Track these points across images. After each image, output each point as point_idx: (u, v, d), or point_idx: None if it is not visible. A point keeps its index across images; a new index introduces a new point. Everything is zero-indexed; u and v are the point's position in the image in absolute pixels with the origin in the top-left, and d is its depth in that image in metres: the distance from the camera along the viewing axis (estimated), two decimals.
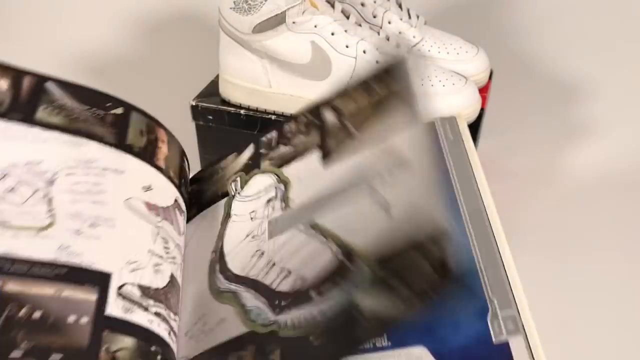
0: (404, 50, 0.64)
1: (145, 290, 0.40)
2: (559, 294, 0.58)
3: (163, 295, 0.41)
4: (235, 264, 0.46)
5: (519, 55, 0.98)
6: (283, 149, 0.50)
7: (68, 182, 0.42)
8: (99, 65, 0.96)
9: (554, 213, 0.68)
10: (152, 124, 0.49)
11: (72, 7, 1.08)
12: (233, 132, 0.68)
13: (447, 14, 1.04)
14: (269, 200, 0.48)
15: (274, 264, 0.44)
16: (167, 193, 0.47)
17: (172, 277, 0.43)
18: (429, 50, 0.69)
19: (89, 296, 0.38)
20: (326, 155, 0.48)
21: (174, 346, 0.41)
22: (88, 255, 0.39)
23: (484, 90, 0.70)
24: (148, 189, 0.46)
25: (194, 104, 0.68)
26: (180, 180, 0.50)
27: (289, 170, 0.49)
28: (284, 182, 0.48)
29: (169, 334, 0.40)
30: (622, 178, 0.73)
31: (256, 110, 0.67)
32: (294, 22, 0.61)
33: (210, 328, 0.43)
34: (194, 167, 0.73)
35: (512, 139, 0.80)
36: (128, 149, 0.46)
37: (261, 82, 0.65)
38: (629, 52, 0.98)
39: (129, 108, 0.49)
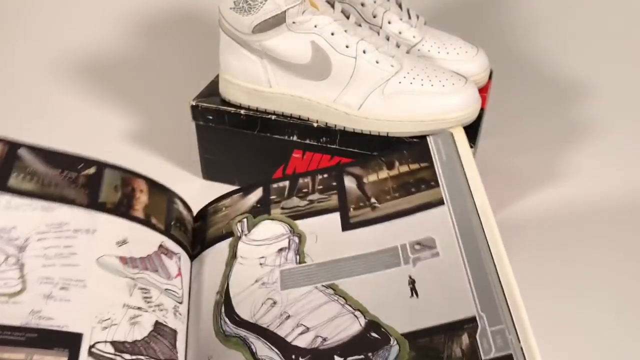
0: (403, 50, 0.64)
1: (120, 346, 0.41)
2: (559, 294, 0.58)
3: (143, 346, 0.42)
4: (242, 309, 0.45)
5: (519, 55, 0.98)
6: (297, 202, 0.51)
7: (39, 247, 0.44)
8: (99, 65, 0.96)
9: (553, 213, 0.68)
10: (128, 177, 0.51)
11: (72, 7, 1.08)
12: (233, 132, 0.68)
13: (447, 14, 1.04)
14: (280, 250, 0.48)
15: (288, 317, 0.44)
16: (147, 242, 0.48)
17: (158, 324, 0.44)
18: (429, 50, 0.69)
19: (60, 359, 0.39)
20: (345, 219, 0.48)
21: None
22: (59, 318, 0.41)
23: (484, 90, 0.70)
24: (123, 243, 0.47)
25: (194, 104, 0.68)
26: (168, 223, 0.51)
27: (303, 225, 0.49)
28: (297, 235, 0.49)
29: None
30: (622, 178, 0.73)
31: (256, 110, 0.67)
32: (294, 22, 0.61)
33: None
34: (194, 167, 0.73)
35: (512, 139, 0.80)
36: (101, 207, 0.48)
37: (261, 82, 0.65)
38: (628, 52, 0.98)
39: (102, 166, 0.50)
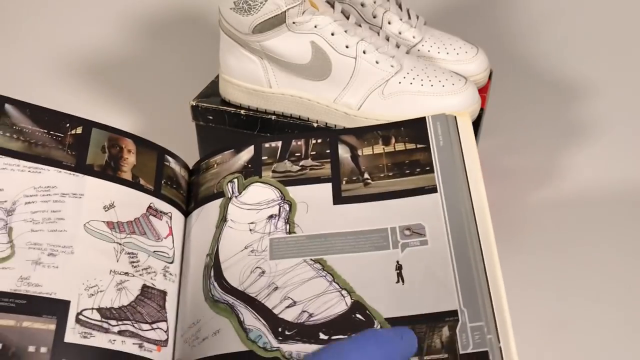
0: (403, 50, 0.64)
1: (106, 312, 0.42)
2: (558, 294, 0.58)
3: (130, 311, 0.43)
4: (230, 275, 0.45)
5: (519, 55, 0.98)
6: (289, 166, 0.50)
7: (28, 211, 0.43)
8: (99, 65, 0.96)
9: (553, 213, 0.68)
10: (116, 137, 0.50)
11: (72, 7, 1.08)
12: (233, 132, 0.68)
13: (447, 14, 1.04)
14: (270, 216, 0.48)
15: (276, 288, 0.44)
16: (135, 204, 0.48)
17: (145, 287, 0.44)
18: (428, 51, 0.69)
19: (48, 326, 0.39)
20: (337, 192, 0.48)
21: (153, 354, 0.42)
22: (47, 285, 0.41)
23: (483, 90, 0.70)
24: (110, 207, 0.47)
25: (194, 104, 0.68)
26: (157, 183, 0.50)
27: (294, 192, 0.48)
28: (288, 202, 0.48)
29: (140, 346, 0.42)
30: (622, 178, 0.73)
31: (256, 110, 0.67)
32: (294, 23, 0.61)
33: (204, 337, 0.43)
34: None
35: (512, 139, 0.80)
36: (88, 170, 0.47)
37: (261, 82, 0.65)
38: (629, 52, 0.98)
39: (89, 125, 0.50)
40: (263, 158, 0.51)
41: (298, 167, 0.50)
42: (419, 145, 0.49)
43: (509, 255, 0.62)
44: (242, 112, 0.67)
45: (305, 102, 0.64)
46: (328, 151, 0.50)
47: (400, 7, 0.71)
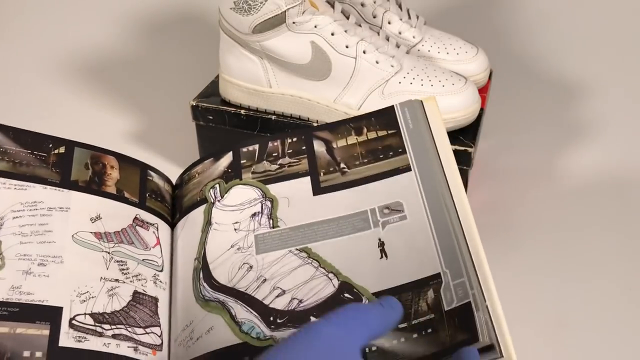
0: (403, 50, 0.64)
1: (99, 317, 0.43)
2: (558, 293, 0.58)
3: (122, 316, 0.44)
4: (219, 274, 0.46)
5: (519, 55, 0.98)
6: (267, 166, 0.51)
7: (16, 225, 0.45)
8: (99, 65, 0.97)
9: (553, 213, 0.68)
10: (98, 155, 0.52)
11: (72, 7, 1.09)
12: (233, 132, 0.68)
13: (447, 14, 1.04)
14: (253, 214, 0.49)
15: (264, 280, 0.45)
16: (121, 216, 0.49)
17: (136, 293, 0.46)
18: (428, 51, 0.69)
19: (42, 331, 0.41)
20: (316, 184, 0.49)
21: (149, 358, 0.43)
22: (38, 293, 0.42)
23: (483, 90, 0.70)
24: (97, 218, 0.48)
25: (194, 104, 0.68)
26: (142, 196, 0.52)
27: (275, 189, 0.50)
28: (270, 199, 0.49)
29: (136, 349, 0.43)
30: (622, 178, 0.73)
31: (256, 110, 0.67)
32: (294, 22, 0.61)
33: (198, 336, 0.44)
34: None
35: (512, 139, 0.80)
36: (73, 185, 0.49)
37: (261, 82, 0.65)
38: (629, 51, 0.98)
39: (71, 145, 0.51)
40: (242, 161, 0.52)
41: (276, 166, 0.51)
42: (390, 131, 0.51)
43: (509, 255, 0.62)
44: (242, 112, 0.67)
45: (305, 102, 0.64)
46: (304, 147, 0.52)
47: (400, 7, 0.71)
